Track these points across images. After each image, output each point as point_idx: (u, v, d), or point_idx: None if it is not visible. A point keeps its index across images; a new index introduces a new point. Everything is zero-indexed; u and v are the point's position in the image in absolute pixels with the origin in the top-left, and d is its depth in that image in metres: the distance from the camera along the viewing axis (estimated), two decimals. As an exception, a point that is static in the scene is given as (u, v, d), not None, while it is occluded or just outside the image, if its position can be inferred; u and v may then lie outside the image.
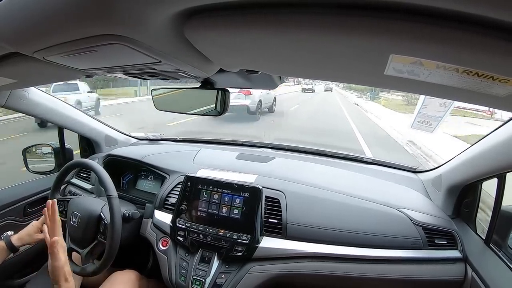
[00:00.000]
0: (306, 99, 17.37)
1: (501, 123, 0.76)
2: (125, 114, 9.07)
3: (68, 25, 0.36)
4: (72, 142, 1.50)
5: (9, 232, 0.96)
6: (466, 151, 0.94)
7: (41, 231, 0.99)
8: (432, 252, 0.89)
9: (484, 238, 0.89)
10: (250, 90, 5.90)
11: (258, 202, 0.95)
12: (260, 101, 8.24)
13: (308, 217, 0.94)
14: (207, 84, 0.77)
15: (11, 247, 0.92)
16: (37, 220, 1.00)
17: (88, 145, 1.54)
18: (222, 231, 0.96)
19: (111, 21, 0.34)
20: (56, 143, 1.41)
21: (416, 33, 0.27)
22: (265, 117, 8.70)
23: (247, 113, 7.77)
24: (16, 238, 0.94)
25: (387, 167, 1.35)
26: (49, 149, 1.40)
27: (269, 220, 0.96)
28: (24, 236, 0.95)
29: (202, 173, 1.10)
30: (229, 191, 0.99)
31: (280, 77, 0.75)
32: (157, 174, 1.23)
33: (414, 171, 1.30)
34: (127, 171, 1.33)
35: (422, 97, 1.28)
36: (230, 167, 1.16)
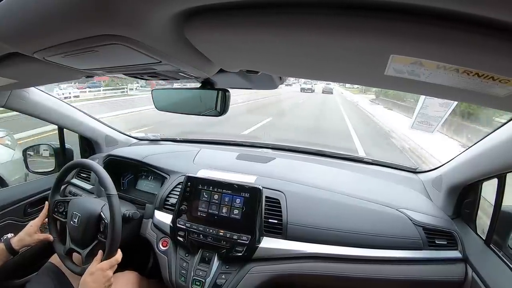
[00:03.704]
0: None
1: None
2: None
3: (69, 25, 0.36)
4: (71, 142, 1.50)
5: (9, 235, 0.97)
6: (466, 151, 0.94)
7: (41, 230, 0.99)
8: (432, 253, 0.89)
9: (484, 239, 0.89)
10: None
11: (258, 203, 0.95)
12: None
13: (308, 218, 0.94)
14: (207, 84, 0.77)
15: (11, 250, 0.92)
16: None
17: (88, 145, 1.54)
18: (222, 231, 0.96)
19: (112, 22, 0.34)
20: (56, 143, 1.41)
21: (416, 34, 0.27)
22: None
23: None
24: (16, 240, 0.94)
25: (387, 168, 1.35)
26: (50, 150, 1.40)
27: (269, 220, 0.96)
28: (24, 237, 0.95)
29: (202, 174, 1.10)
30: (229, 192, 0.99)
31: (280, 77, 0.76)
32: (157, 174, 1.22)
33: (414, 171, 1.30)
34: (127, 172, 1.32)
35: (422, 97, 1.28)
36: (230, 167, 1.16)
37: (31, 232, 0.97)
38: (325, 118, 10.75)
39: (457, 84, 0.34)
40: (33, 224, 0.98)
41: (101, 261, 0.85)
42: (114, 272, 1.00)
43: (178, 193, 1.07)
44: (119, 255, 0.88)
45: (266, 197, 0.98)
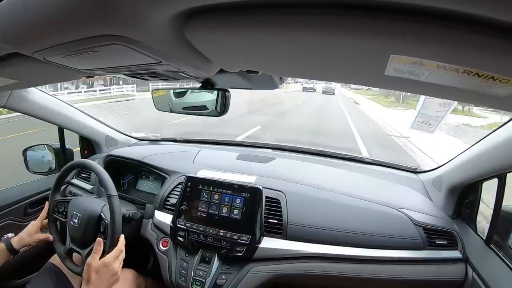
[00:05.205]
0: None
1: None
2: None
3: (69, 26, 0.36)
4: (72, 142, 1.50)
5: (10, 234, 0.97)
6: (466, 151, 0.94)
7: (41, 230, 0.99)
8: (432, 253, 0.88)
9: (484, 239, 0.89)
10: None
11: (259, 203, 0.95)
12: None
13: (308, 218, 0.94)
14: (207, 84, 0.77)
15: (11, 250, 0.92)
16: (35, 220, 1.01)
17: (89, 145, 1.54)
18: (223, 231, 0.96)
19: (112, 22, 0.34)
20: (57, 144, 1.41)
21: (416, 34, 0.27)
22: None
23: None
24: (16, 240, 0.94)
25: (388, 168, 1.35)
26: (50, 150, 1.40)
27: (270, 220, 0.96)
28: (24, 236, 0.95)
29: (202, 174, 1.10)
30: (229, 192, 0.99)
31: (280, 77, 0.76)
32: (158, 174, 1.22)
33: (415, 171, 1.30)
34: (127, 172, 1.32)
35: (422, 97, 1.28)
36: (230, 167, 1.16)
37: (31, 232, 0.97)
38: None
39: (457, 84, 0.34)
40: (34, 224, 0.98)
41: (102, 256, 0.83)
42: None
43: (178, 193, 1.07)
44: (121, 243, 0.86)
45: (266, 197, 0.98)
